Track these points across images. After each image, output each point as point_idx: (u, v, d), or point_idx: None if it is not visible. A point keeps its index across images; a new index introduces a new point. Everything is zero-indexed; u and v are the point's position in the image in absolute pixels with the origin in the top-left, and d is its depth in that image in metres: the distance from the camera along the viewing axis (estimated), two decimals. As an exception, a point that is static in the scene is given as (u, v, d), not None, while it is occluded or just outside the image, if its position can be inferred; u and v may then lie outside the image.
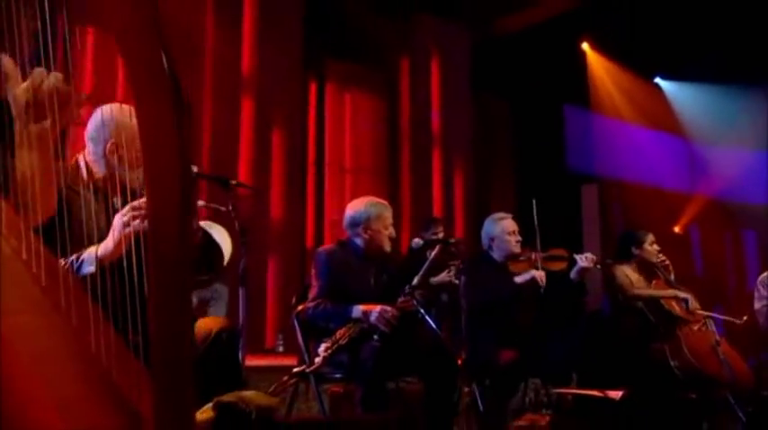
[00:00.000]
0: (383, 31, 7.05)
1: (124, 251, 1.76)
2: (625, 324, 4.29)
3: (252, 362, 4.14)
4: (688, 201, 7.90)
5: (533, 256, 4.04)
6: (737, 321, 4.32)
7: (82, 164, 2.34)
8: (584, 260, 3.92)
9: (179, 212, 1.15)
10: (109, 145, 2.21)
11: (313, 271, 3.47)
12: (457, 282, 4.15)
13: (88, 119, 2.35)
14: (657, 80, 8.19)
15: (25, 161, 1.39)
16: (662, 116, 7.90)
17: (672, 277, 4.41)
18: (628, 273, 4.33)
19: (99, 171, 2.29)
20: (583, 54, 7.95)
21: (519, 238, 4.09)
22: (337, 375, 3.30)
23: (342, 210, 3.71)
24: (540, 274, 3.82)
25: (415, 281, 3.32)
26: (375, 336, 3.13)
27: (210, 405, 1.66)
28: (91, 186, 2.14)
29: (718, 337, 4.00)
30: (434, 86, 7.49)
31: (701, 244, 8.18)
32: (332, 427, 2.08)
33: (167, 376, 1.15)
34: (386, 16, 7.04)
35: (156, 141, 1.16)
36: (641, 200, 7.53)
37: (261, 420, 1.63)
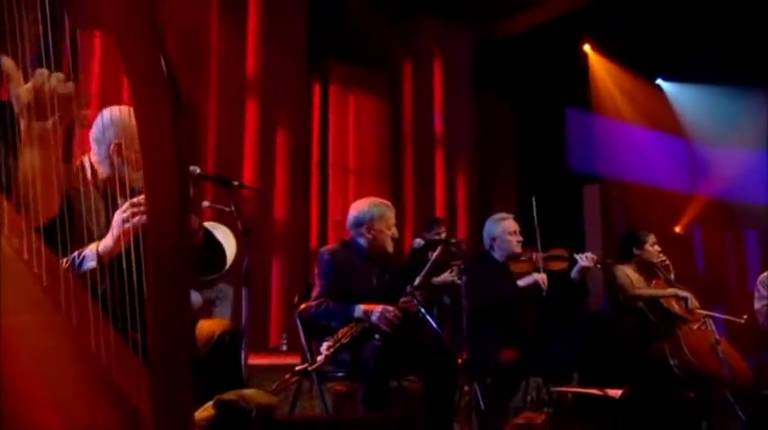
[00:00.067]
0: (386, 33, 7.06)
1: (123, 248, 1.77)
2: (625, 323, 4.28)
3: (256, 361, 4.16)
4: (689, 201, 7.88)
5: (534, 256, 4.03)
6: (738, 320, 4.30)
7: (86, 165, 2.35)
8: (584, 259, 3.91)
9: (177, 212, 1.15)
10: (113, 146, 2.22)
11: (316, 270, 3.47)
12: (459, 281, 4.15)
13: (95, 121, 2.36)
14: (659, 81, 8.18)
15: (27, 162, 1.39)
16: (663, 117, 7.88)
17: (672, 277, 4.39)
18: (628, 273, 4.32)
19: (103, 172, 2.30)
20: (584, 55, 7.94)
21: (520, 238, 4.08)
22: (339, 374, 3.30)
23: (345, 211, 3.71)
24: (542, 278, 3.81)
25: (417, 281, 3.31)
26: (376, 336, 3.13)
27: (211, 403, 1.66)
28: (92, 187, 2.15)
29: (717, 336, 3.98)
30: (437, 88, 7.50)
31: (703, 244, 8.16)
32: (332, 425, 2.08)
33: (166, 375, 1.15)
34: (389, 19, 7.05)
35: (154, 142, 1.16)
36: (643, 200, 7.52)
37: (261, 418, 1.63)
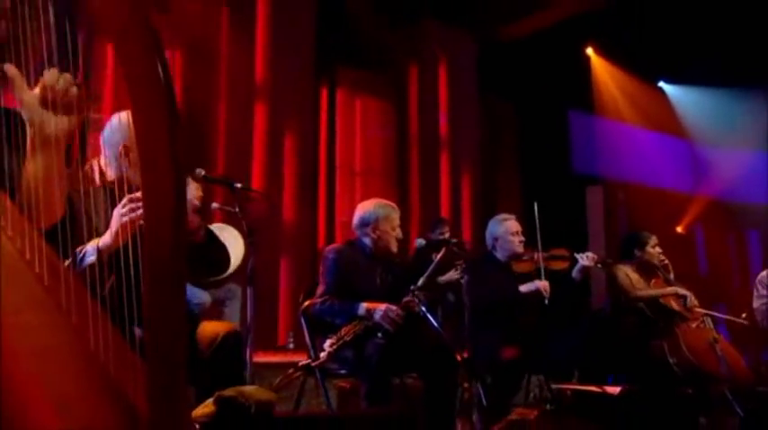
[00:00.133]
0: (392, 37, 7.07)
1: (122, 243, 1.79)
2: (625, 322, 4.27)
3: (264, 358, 4.18)
4: (691, 201, 7.85)
5: (536, 256, 4.03)
6: (738, 320, 4.28)
7: (95, 168, 2.38)
8: (585, 259, 3.91)
9: (173, 214, 1.16)
10: (120, 148, 2.25)
11: (321, 268, 3.48)
12: (462, 280, 4.16)
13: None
14: (661, 84, 8.16)
15: (31, 169, 1.40)
16: (665, 119, 7.86)
17: (671, 276, 4.38)
18: (628, 273, 4.31)
19: (112, 173, 2.33)
20: (587, 59, 7.93)
21: (522, 239, 4.08)
22: (343, 371, 3.31)
23: (352, 212, 3.72)
24: (544, 285, 3.80)
25: (420, 282, 3.32)
26: (379, 334, 3.13)
27: (211, 399, 1.67)
28: (101, 189, 2.18)
29: (715, 334, 3.97)
30: (442, 91, 7.50)
31: (705, 244, 8.12)
32: (331, 421, 2.08)
33: (162, 372, 1.16)
34: (394, 23, 7.05)
35: (151, 145, 1.17)
36: (645, 201, 7.49)
37: (260, 414, 1.64)
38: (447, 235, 5.24)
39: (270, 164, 6.01)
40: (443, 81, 7.52)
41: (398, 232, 3.56)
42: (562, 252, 4.10)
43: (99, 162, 2.41)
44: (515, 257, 4.07)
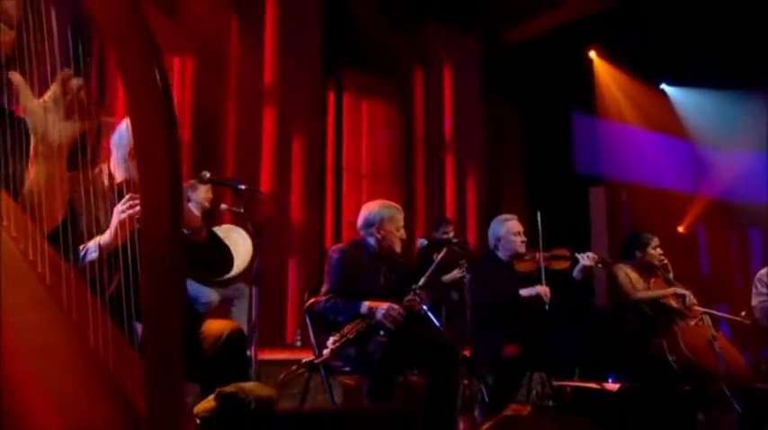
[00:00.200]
0: (397, 41, 7.08)
1: (121, 239, 1.81)
2: (625, 321, 4.25)
3: (271, 356, 4.20)
4: (692, 201, 7.81)
5: (537, 256, 4.01)
6: (736, 319, 4.25)
7: (105, 170, 2.40)
8: (585, 259, 3.89)
9: (169, 216, 1.17)
10: (128, 149, 2.27)
11: (326, 267, 3.48)
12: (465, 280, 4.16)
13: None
14: (663, 86, 8.14)
15: (33, 173, 1.41)
16: (667, 120, 7.83)
17: (671, 276, 4.36)
18: (628, 272, 4.29)
19: (120, 175, 2.35)
20: (590, 61, 7.91)
21: (524, 239, 4.07)
22: (347, 368, 3.31)
23: (359, 213, 3.73)
24: (545, 291, 3.78)
25: (422, 281, 3.32)
26: (381, 332, 3.14)
27: (213, 395, 1.68)
28: (109, 191, 2.20)
29: (714, 332, 3.95)
30: (446, 95, 7.51)
31: (707, 244, 8.08)
32: (332, 417, 2.09)
33: (160, 368, 1.17)
34: (399, 28, 7.06)
35: (147, 148, 1.18)
36: (647, 201, 7.47)
37: (260, 409, 1.65)
38: (450, 234, 5.24)
39: (278, 166, 6.03)
40: (448, 84, 7.53)
41: (402, 233, 3.55)
42: (563, 252, 4.08)
43: (108, 165, 2.43)
44: (517, 257, 4.05)
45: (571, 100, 7.65)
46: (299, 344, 5.27)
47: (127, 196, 1.92)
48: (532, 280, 3.93)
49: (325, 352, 3.09)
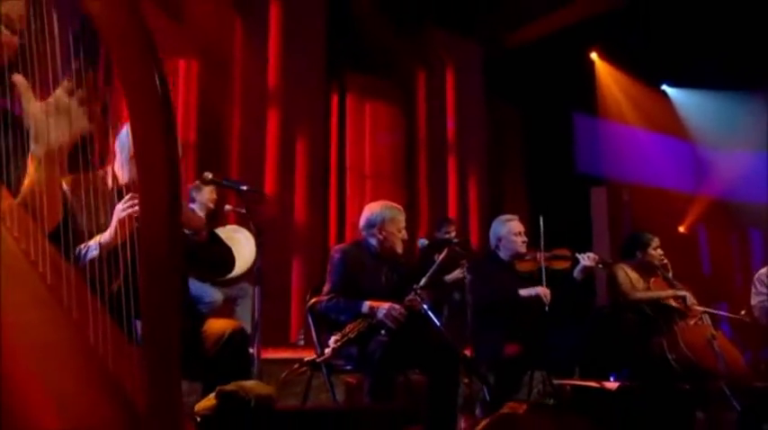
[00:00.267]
0: (400, 45, 7.08)
1: (120, 238, 1.82)
2: (625, 319, 4.24)
3: (275, 355, 4.20)
4: (693, 201, 7.80)
5: (538, 256, 4.01)
6: (736, 317, 4.23)
7: (109, 172, 2.41)
8: (586, 259, 3.88)
9: (168, 215, 1.17)
10: (131, 151, 2.27)
11: (328, 267, 3.49)
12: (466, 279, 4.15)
13: None
14: (664, 87, 8.12)
15: (29, 177, 1.42)
16: (668, 121, 7.82)
17: (670, 275, 4.34)
18: (628, 272, 4.27)
19: (124, 177, 2.36)
20: (591, 63, 7.90)
21: (525, 239, 4.06)
22: (348, 367, 3.31)
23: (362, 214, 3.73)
24: (545, 292, 3.77)
25: (423, 281, 3.31)
26: (382, 331, 3.14)
27: (213, 394, 1.69)
28: (113, 192, 2.21)
29: (713, 331, 3.94)
30: (449, 97, 7.51)
31: (708, 244, 8.06)
32: (331, 415, 2.09)
33: (158, 365, 1.17)
34: (402, 31, 7.07)
35: (147, 148, 1.18)
36: (649, 201, 7.45)
37: (259, 407, 1.65)
38: (452, 234, 5.24)
39: (282, 167, 6.04)
40: (450, 86, 7.53)
41: (404, 233, 3.55)
42: (564, 252, 4.08)
43: (113, 167, 2.44)
44: (518, 257, 4.05)
45: (572, 101, 7.64)
46: (302, 343, 5.28)
47: (127, 196, 1.93)
48: (533, 280, 3.92)
49: (327, 351, 3.09)
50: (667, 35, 6.70)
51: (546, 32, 7.27)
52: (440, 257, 3.62)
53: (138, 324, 1.20)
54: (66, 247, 1.32)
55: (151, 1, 5.16)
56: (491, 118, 7.85)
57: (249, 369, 2.35)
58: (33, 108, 1.40)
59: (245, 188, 2.63)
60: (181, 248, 1.20)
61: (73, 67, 1.37)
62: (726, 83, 6.98)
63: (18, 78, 1.37)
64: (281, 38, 6.18)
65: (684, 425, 3.60)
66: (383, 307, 3.19)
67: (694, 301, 4.14)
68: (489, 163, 7.75)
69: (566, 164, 7.57)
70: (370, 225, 3.52)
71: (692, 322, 4.07)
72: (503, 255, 4.07)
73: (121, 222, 1.89)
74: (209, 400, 1.68)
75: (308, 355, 3.38)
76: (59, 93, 1.39)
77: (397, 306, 3.20)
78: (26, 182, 1.41)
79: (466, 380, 3.20)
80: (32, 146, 1.41)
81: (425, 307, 3.15)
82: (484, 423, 1.93)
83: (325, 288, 3.39)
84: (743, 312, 4.31)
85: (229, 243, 2.39)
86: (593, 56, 7.87)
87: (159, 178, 1.17)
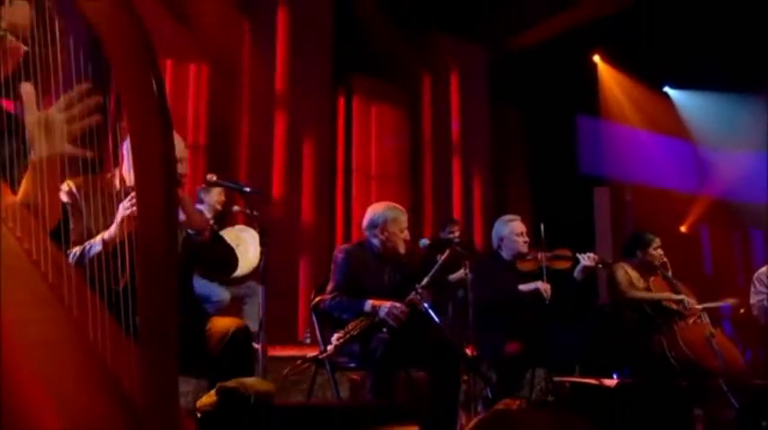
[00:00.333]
0: (405, 48, 7.08)
1: (120, 235, 1.84)
2: (625, 318, 4.22)
3: (282, 352, 4.21)
4: (695, 201, 7.76)
5: (539, 256, 4.00)
6: (721, 304, 4.18)
7: (117, 175, 2.43)
8: (586, 259, 3.87)
9: (164, 215, 1.18)
10: None
11: (332, 266, 3.49)
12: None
13: None
14: (666, 89, 8.09)
15: (25, 184, 1.43)
16: (670, 122, 7.79)
17: (669, 274, 4.32)
18: (627, 270, 4.26)
19: (131, 179, 2.37)
20: (594, 66, 7.88)
21: (527, 239, 4.06)
22: (351, 364, 3.32)
23: (366, 214, 3.73)
24: (545, 287, 3.76)
25: (425, 281, 3.32)
26: (384, 329, 3.14)
27: (214, 390, 1.69)
28: (122, 193, 2.22)
29: (712, 330, 3.92)
30: (453, 99, 7.50)
31: (710, 243, 8.01)
32: (331, 411, 2.09)
33: (156, 362, 1.18)
34: (408, 35, 7.07)
35: (143, 149, 1.19)
36: (651, 201, 7.42)
37: (259, 403, 1.66)
38: (456, 234, 5.23)
39: (289, 168, 6.05)
40: (455, 89, 7.52)
41: (406, 234, 3.55)
42: (565, 252, 4.06)
43: (121, 169, 2.46)
44: (520, 257, 4.04)
45: (575, 103, 7.62)
46: (308, 341, 5.28)
47: (131, 194, 1.95)
48: (535, 279, 3.91)
49: (330, 348, 3.11)
50: (669, 38, 6.67)
51: (548, 36, 7.25)
52: (442, 257, 3.62)
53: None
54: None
55: (162, 8, 5.19)
56: (495, 120, 7.84)
57: (252, 366, 2.36)
58: (32, 118, 1.40)
59: (247, 189, 2.65)
60: (177, 248, 1.20)
61: (74, 80, 1.37)
62: (727, 84, 6.95)
63: (27, 87, 1.38)
64: (289, 42, 6.19)
65: (683, 423, 3.59)
66: (385, 305, 3.20)
67: (693, 301, 4.12)
68: (493, 164, 7.74)
69: (569, 165, 7.54)
70: (373, 225, 3.53)
71: (690, 321, 4.05)
72: (505, 254, 4.07)
73: (124, 220, 1.91)
74: (210, 397, 1.69)
75: (314, 353, 3.39)
76: (53, 109, 1.39)
77: (398, 304, 3.20)
78: (22, 187, 1.42)
79: (465, 378, 3.19)
80: (31, 152, 1.42)
81: (426, 305, 3.15)
82: (476, 419, 1.93)
83: (329, 287, 3.40)
84: (742, 310, 4.28)
85: (236, 243, 2.40)
86: (596, 58, 7.85)
87: (156, 178, 1.18)
